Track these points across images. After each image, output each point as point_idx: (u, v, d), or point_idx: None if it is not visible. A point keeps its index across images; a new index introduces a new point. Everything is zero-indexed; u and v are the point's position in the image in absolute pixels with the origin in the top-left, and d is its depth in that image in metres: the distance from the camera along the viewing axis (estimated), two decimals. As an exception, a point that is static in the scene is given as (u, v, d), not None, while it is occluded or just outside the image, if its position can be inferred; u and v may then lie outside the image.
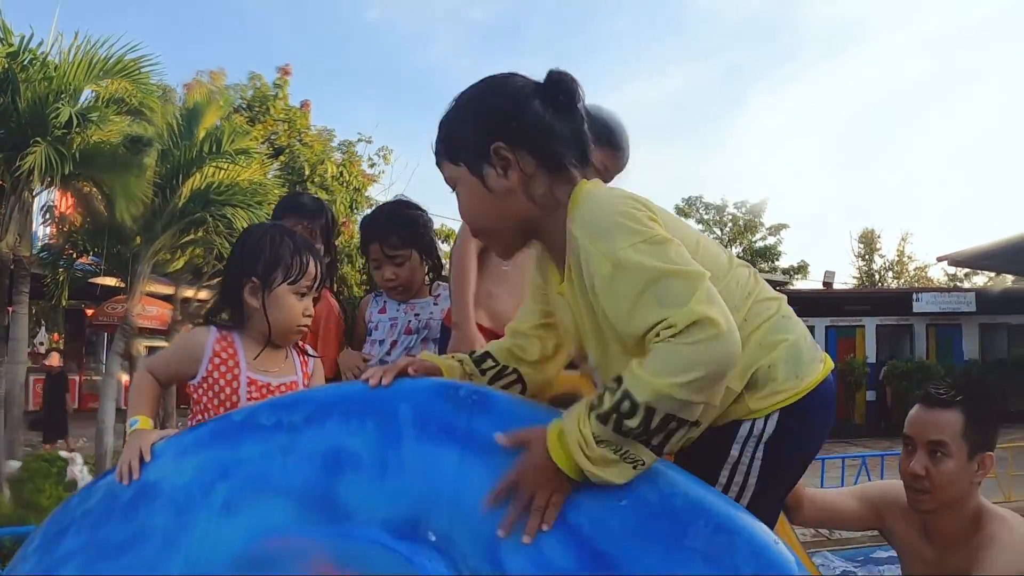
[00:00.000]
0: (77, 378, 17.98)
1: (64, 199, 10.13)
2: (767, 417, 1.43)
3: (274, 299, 1.91)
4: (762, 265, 28.79)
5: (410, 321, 2.64)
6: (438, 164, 1.54)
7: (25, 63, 6.55)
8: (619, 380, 1.23)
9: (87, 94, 7.23)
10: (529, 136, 1.43)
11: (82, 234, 9.79)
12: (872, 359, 17.17)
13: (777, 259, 29.92)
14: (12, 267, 6.65)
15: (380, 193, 15.68)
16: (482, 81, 1.51)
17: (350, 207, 14.28)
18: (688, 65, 65.07)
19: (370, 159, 16.27)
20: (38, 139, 6.32)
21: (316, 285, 1.99)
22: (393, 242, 2.50)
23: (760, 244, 30.27)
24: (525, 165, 1.43)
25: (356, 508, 1.35)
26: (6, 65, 6.42)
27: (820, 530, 2.39)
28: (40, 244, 10.39)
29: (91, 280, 11.83)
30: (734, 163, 63.23)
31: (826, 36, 60.58)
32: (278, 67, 15.83)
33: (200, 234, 8.79)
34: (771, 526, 1.46)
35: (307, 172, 14.11)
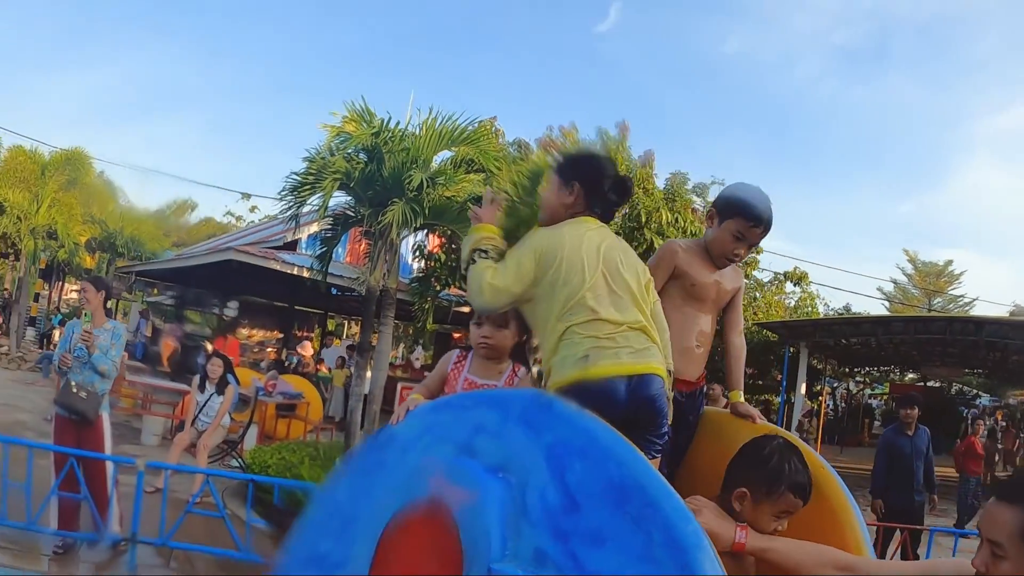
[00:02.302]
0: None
1: (430, 239, 12.27)
2: (555, 392, 2.35)
3: (472, 331, 3.03)
4: None
5: None
6: None
7: (387, 139, 8.24)
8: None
9: (444, 155, 8.91)
10: (587, 186, 2.69)
11: (444, 269, 11.82)
12: None
13: None
14: (380, 295, 8.43)
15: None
16: (595, 154, 2.96)
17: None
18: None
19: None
20: (395, 199, 7.96)
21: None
22: None
23: None
24: (576, 196, 2.69)
25: (478, 453, 2.22)
26: (373, 141, 8.18)
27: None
28: (412, 276, 12.63)
29: (455, 308, 13.99)
30: None
31: None
32: (616, 123, 17.06)
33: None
34: None
35: (644, 219, 15.04)
